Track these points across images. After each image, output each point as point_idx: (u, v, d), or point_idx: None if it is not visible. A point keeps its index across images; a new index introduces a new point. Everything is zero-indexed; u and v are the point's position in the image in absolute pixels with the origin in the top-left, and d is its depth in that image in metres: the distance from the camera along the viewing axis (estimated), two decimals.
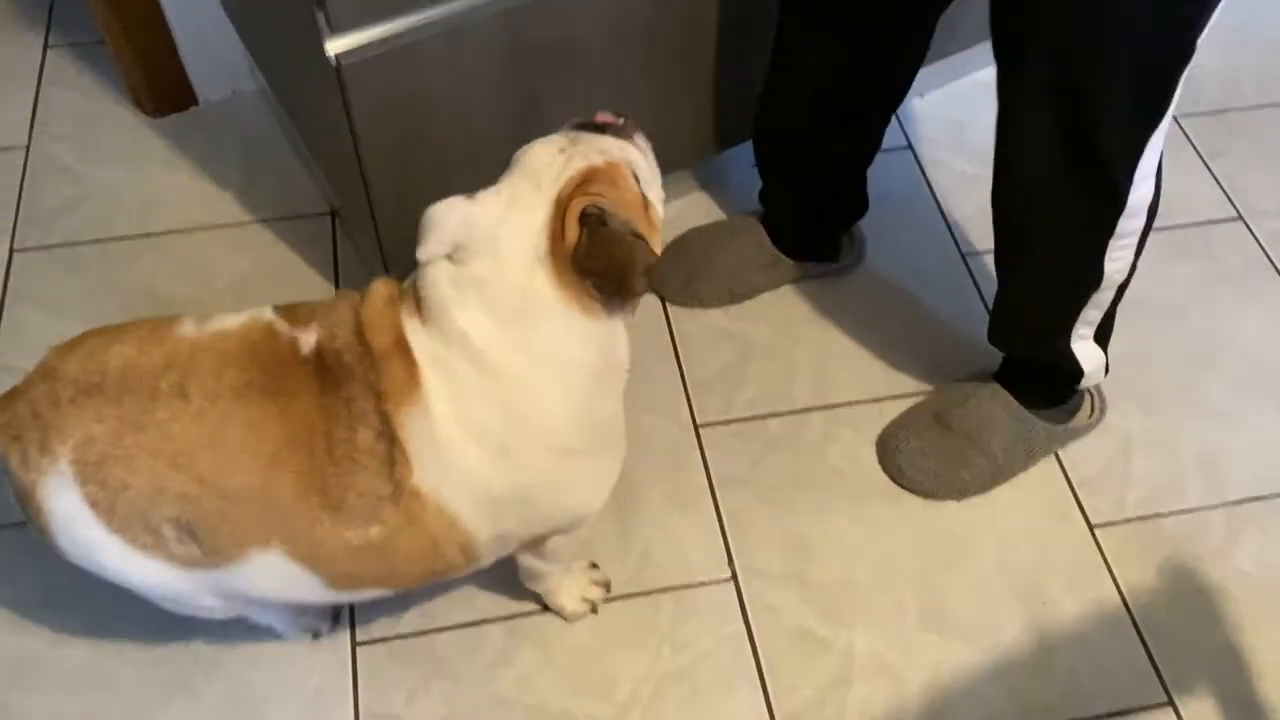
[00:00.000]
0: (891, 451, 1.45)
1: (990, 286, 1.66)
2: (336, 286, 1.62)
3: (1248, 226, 1.76)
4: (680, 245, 1.64)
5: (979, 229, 1.73)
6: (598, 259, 0.95)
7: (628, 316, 1.04)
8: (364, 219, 1.39)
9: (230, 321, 1.02)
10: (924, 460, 1.43)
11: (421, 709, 1.26)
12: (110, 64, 1.85)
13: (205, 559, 1.00)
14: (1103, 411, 1.51)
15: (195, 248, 1.67)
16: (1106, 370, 1.43)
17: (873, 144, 1.50)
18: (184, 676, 1.27)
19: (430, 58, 1.21)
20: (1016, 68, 1.14)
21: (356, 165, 1.28)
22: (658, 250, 1.00)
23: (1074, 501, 1.46)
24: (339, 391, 0.98)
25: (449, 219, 0.96)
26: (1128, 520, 1.44)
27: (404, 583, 1.09)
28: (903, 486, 1.45)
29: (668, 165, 1.63)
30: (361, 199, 1.34)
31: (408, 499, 0.99)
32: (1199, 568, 1.40)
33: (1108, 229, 1.20)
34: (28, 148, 1.78)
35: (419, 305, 0.99)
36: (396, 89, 1.21)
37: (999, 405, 1.45)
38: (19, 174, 1.74)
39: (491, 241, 0.96)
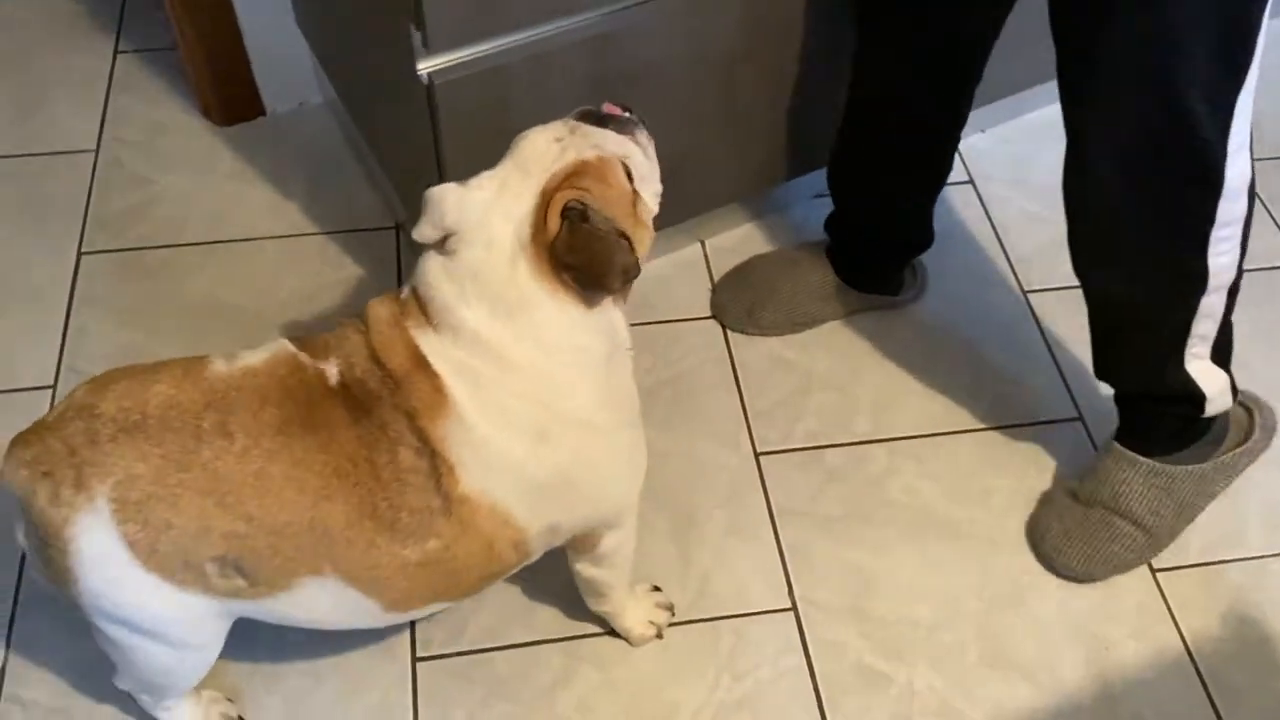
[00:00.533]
0: (1038, 539, 1.41)
1: (1053, 324, 1.66)
2: None
3: None
4: (743, 273, 1.65)
5: (1041, 267, 1.73)
6: (575, 254, 0.95)
7: (619, 303, 1.05)
8: None
9: (256, 358, 1.02)
10: (1069, 543, 1.38)
11: None
12: (179, 71, 1.87)
13: (251, 590, 1.01)
14: (1267, 428, 1.41)
15: (260, 258, 1.68)
16: (1234, 393, 1.34)
17: (942, 170, 1.49)
18: (245, 689, 1.27)
19: (517, 79, 1.22)
20: (1088, 54, 1.12)
21: (439, 179, 1.29)
22: (644, 248, 1.02)
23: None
24: (370, 419, 0.99)
25: (445, 201, 0.98)
26: (1191, 566, 1.43)
27: (462, 592, 1.10)
28: (1060, 575, 1.39)
29: (737, 193, 1.66)
30: None
31: (458, 507, 1.00)
32: (1262, 616, 1.39)
33: (1208, 216, 1.15)
34: (96, 152, 1.79)
35: (425, 311, 1.00)
36: (483, 108, 1.23)
37: (1126, 466, 1.37)
38: (88, 178, 1.76)
39: (482, 227, 0.97)
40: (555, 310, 0.98)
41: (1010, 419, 1.56)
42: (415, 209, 1.53)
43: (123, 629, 1.01)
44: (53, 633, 1.29)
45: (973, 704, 1.31)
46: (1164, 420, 1.37)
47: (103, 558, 0.94)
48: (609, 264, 0.95)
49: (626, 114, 1.06)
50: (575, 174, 0.97)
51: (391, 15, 1.17)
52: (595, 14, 1.21)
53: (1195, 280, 1.22)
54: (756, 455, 1.50)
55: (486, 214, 0.97)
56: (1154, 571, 1.42)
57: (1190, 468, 1.38)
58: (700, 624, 1.35)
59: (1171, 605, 1.40)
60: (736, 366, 1.60)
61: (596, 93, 1.30)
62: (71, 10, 2.01)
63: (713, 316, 1.64)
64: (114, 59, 1.94)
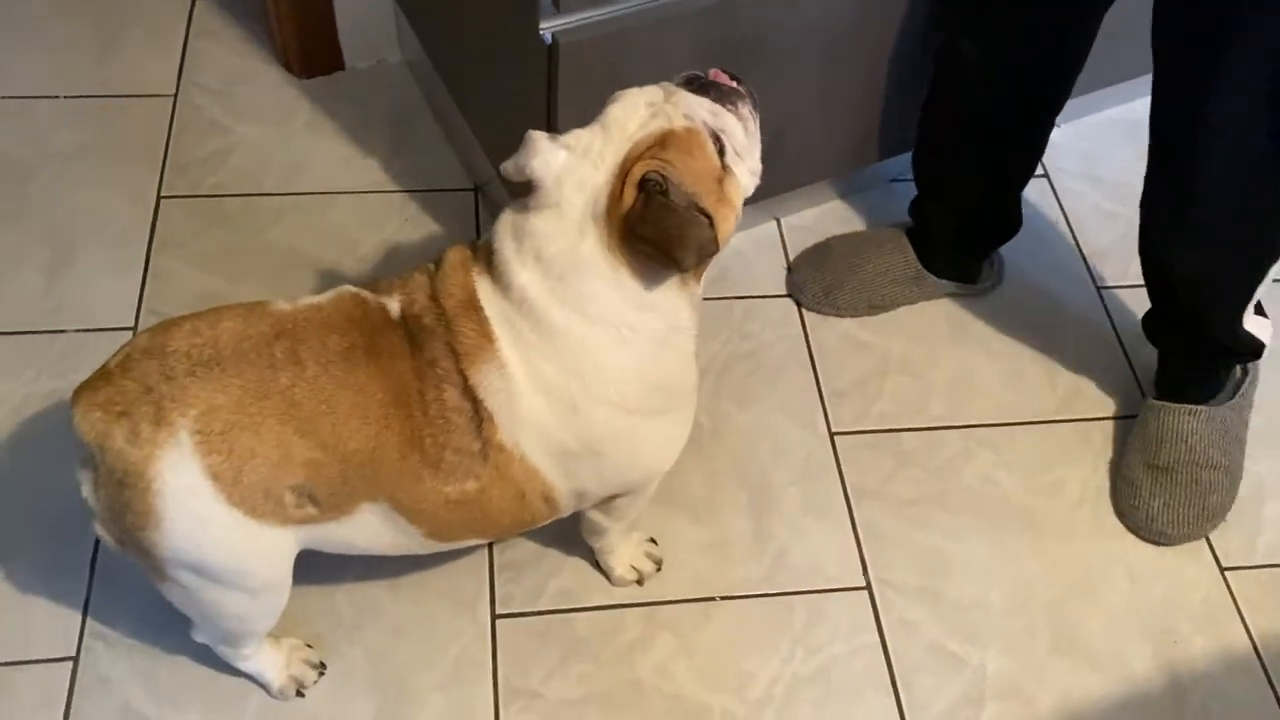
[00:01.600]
0: (1144, 521, 1.44)
1: (1125, 319, 1.67)
2: None
3: None
4: (823, 252, 1.65)
5: (1115, 262, 1.74)
6: (649, 228, 0.94)
7: (692, 285, 1.03)
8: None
9: (319, 298, 1.03)
10: (1173, 511, 1.42)
11: (559, 688, 1.27)
12: (256, 19, 1.87)
13: (320, 516, 1.02)
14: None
15: (338, 212, 1.68)
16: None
17: (1032, 156, 1.50)
18: (328, 639, 1.28)
19: (636, 44, 1.22)
20: (1203, 64, 1.14)
21: None
22: (728, 227, 1.00)
23: (1205, 542, 1.46)
24: (423, 353, 0.99)
25: (535, 148, 0.97)
26: (1259, 566, 1.45)
27: (496, 533, 1.12)
28: (1173, 544, 1.44)
29: (824, 172, 1.66)
30: None
31: (495, 453, 1.01)
32: None
33: None
34: (175, 97, 1.79)
35: (489, 261, 1.01)
36: (601, 71, 1.22)
37: (1189, 419, 1.45)
38: (166, 122, 1.75)
39: (558, 187, 0.97)
40: (611, 283, 0.98)
41: (1083, 412, 1.57)
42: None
43: (198, 575, 1.00)
44: (136, 572, 1.30)
45: (1043, 689, 1.32)
46: (1218, 372, 1.47)
47: (188, 493, 0.93)
48: (683, 240, 0.93)
49: (734, 84, 1.03)
50: (659, 144, 0.96)
51: None
52: None
53: (1277, 250, 1.31)
54: (831, 435, 1.51)
55: (565, 175, 0.97)
56: (1222, 570, 1.44)
57: (1231, 403, 1.48)
58: (776, 598, 1.37)
59: (1239, 603, 1.41)
60: (812, 346, 1.60)
61: (710, 60, 1.30)
62: None
63: (789, 295, 1.64)
64: (193, 3, 1.93)
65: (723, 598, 1.35)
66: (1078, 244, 1.75)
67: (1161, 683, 1.34)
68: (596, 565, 1.35)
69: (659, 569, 1.35)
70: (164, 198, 1.66)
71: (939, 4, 1.42)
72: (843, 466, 1.48)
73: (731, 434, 1.48)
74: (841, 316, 1.62)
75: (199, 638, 1.18)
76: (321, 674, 1.24)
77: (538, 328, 0.98)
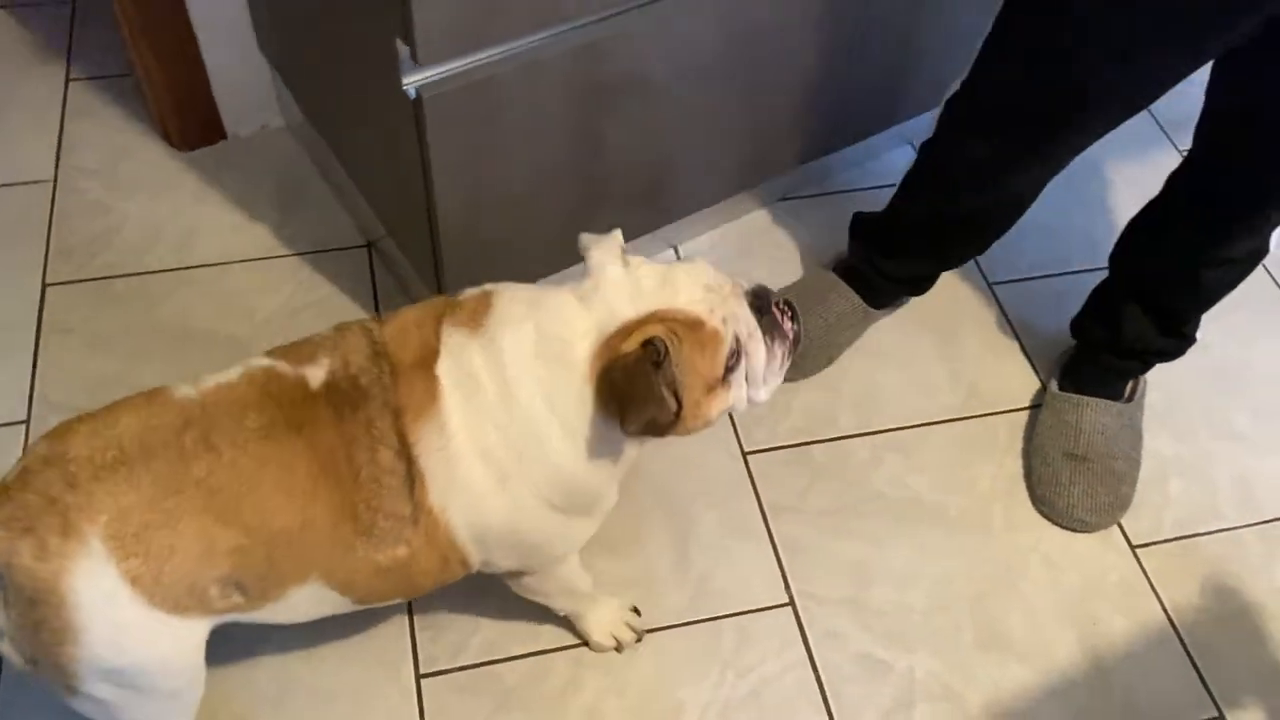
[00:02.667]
0: (1065, 509, 1.46)
1: (1017, 314, 1.71)
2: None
3: None
4: None
5: (1003, 260, 1.77)
6: (622, 378, 0.95)
7: (639, 442, 1.05)
8: (423, 248, 1.40)
9: (228, 375, 1.00)
10: (1092, 499, 1.46)
11: None
12: (134, 97, 1.84)
13: (246, 605, 0.99)
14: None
15: (232, 281, 1.66)
16: None
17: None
18: (251, 713, 1.25)
19: (504, 91, 1.23)
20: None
21: (425, 195, 1.29)
22: (693, 425, 1.01)
23: (1116, 524, 1.49)
24: (356, 416, 0.98)
25: (604, 247, 1.01)
26: (1167, 541, 1.48)
27: (416, 594, 1.12)
28: (1090, 531, 1.47)
29: (715, 196, 1.68)
30: (424, 228, 1.35)
31: (425, 518, 1.00)
32: (1239, 585, 1.45)
33: None
34: (55, 181, 1.76)
35: (478, 315, 1.01)
36: (471, 121, 1.23)
37: (1104, 413, 1.50)
38: (47, 208, 1.72)
39: (595, 290, 0.99)
40: (579, 390, 0.98)
41: (987, 407, 1.60)
42: (395, 226, 1.54)
43: (119, 684, 0.96)
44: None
45: (971, 686, 1.34)
46: (1134, 369, 1.52)
47: (106, 601, 0.90)
48: (641, 409, 0.94)
49: (789, 323, 1.06)
50: (688, 324, 0.97)
51: (375, 31, 1.17)
52: (583, 21, 1.22)
53: (1263, 255, 1.36)
54: (744, 454, 1.52)
55: (608, 285, 0.99)
56: (1134, 548, 1.47)
57: (1134, 402, 1.54)
58: (702, 624, 1.37)
59: (1152, 579, 1.44)
60: None
61: (586, 100, 1.32)
62: (19, 39, 1.96)
63: None
64: (66, 86, 1.90)
65: (649, 630, 1.35)
66: None
67: (1086, 666, 1.36)
68: (517, 614, 1.34)
69: (640, 640, 1.33)
70: (49, 285, 1.63)
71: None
72: (758, 485, 1.49)
73: (647, 466, 1.49)
74: (807, 378, 1.60)
75: None
76: None
77: (502, 392, 0.98)
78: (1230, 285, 1.40)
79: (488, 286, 1.04)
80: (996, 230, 1.49)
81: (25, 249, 1.66)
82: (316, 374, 1.00)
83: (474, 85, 1.19)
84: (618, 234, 1.03)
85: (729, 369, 1.00)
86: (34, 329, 1.57)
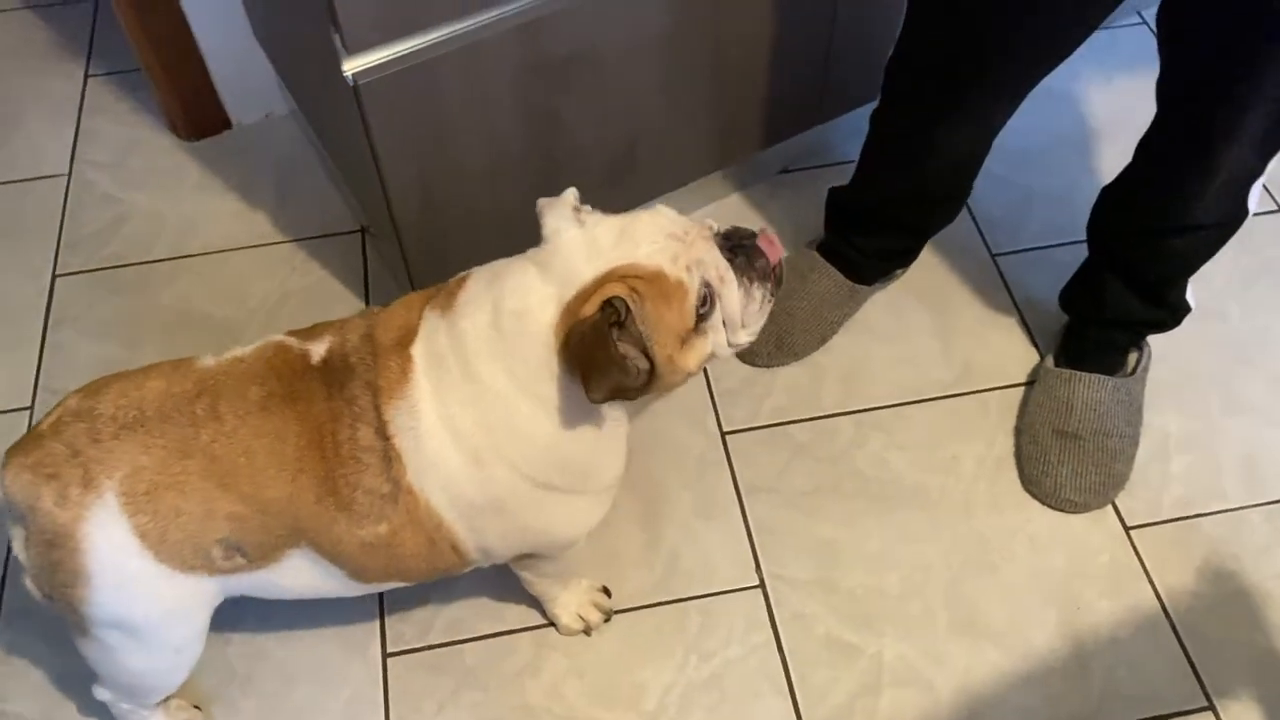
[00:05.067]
0: (1052, 489, 1.42)
1: (1020, 286, 1.64)
2: (367, 303, 1.65)
3: None
4: None
5: (1008, 229, 1.71)
6: (581, 347, 0.93)
7: (613, 409, 1.02)
8: (389, 234, 1.41)
9: (245, 349, 1.06)
10: (1081, 479, 1.41)
11: (451, 719, 1.27)
12: (146, 91, 1.90)
13: (249, 565, 1.04)
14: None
15: (231, 267, 1.70)
16: None
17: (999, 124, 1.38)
18: (220, 691, 1.29)
19: (447, 74, 1.23)
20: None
21: (379, 181, 1.30)
22: (673, 379, 0.98)
23: (1110, 504, 1.43)
24: (342, 392, 1.00)
25: (556, 211, 0.99)
26: (1165, 522, 1.41)
27: (414, 577, 1.12)
28: (1078, 512, 1.42)
29: (685, 176, 1.65)
30: (385, 214, 1.36)
31: (405, 496, 1.01)
32: (1239, 569, 1.37)
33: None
34: (69, 175, 1.82)
35: (453, 296, 1.01)
36: (414, 106, 1.23)
37: (1098, 389, 1.44)
38: (61, 201, 1.79)
39: (553, 255, 0.97)
40: (544, 360, 0.97)
41: (980, 383, 1.55)
42: (370, 209, 1.56)
43: (125, 631, 1.03)
44: (36, 645, 1.32)
45: (942, 672, 1.30)
46: (1131, 341, 1.46)
47: (116, 552, 0.97)
48: (601, 377, 0.92)
49: (769, 261, 1.02)
50: (648, 278, 0.95)
51: (314, 20, 1.18)
52: (520, 2, 1.21)
53: (1240, 221, 1.29)
54: (723, 434, 1.50)
55: (565, 249, 0.97)
56: (1127, 530, 1.41)
57: (1134, 376, 1.47)
58: (668, 605, 1.36)
59: (1145, 561, 1.38)
60: None
61: (535, 80, 1.31)
62: (42, 37, 2.04)
63: (742, 360, 1.56)
64: (85, 82, 1.97)
65: (616, 611, 1.35)
66: (971, 213, 1.73)
67: (1065, 652, 1.31)
68: (485, 593, 1.36)
69: (608, 620, 1.33)
70: (59, 276, 1.69)
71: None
72: (735, 464, 1.47)
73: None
74: (801, 359, 1.57)
75: (102, 695, 1.18)
76: None
77: (465, 371, 0.99)
78: (1205, 252, 1.32)
79: (472, 269, 1.04)
80: (955, 194, 1.45)
81: (38, 242, 1.73)
82: (318, 350, 1.04)
83: (413, 70, 1.19)
84: (570, 193, 1.01)
85: (701, 317, 0.98)
86: (42, 319, 1.64)
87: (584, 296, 0.95)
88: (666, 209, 1.01)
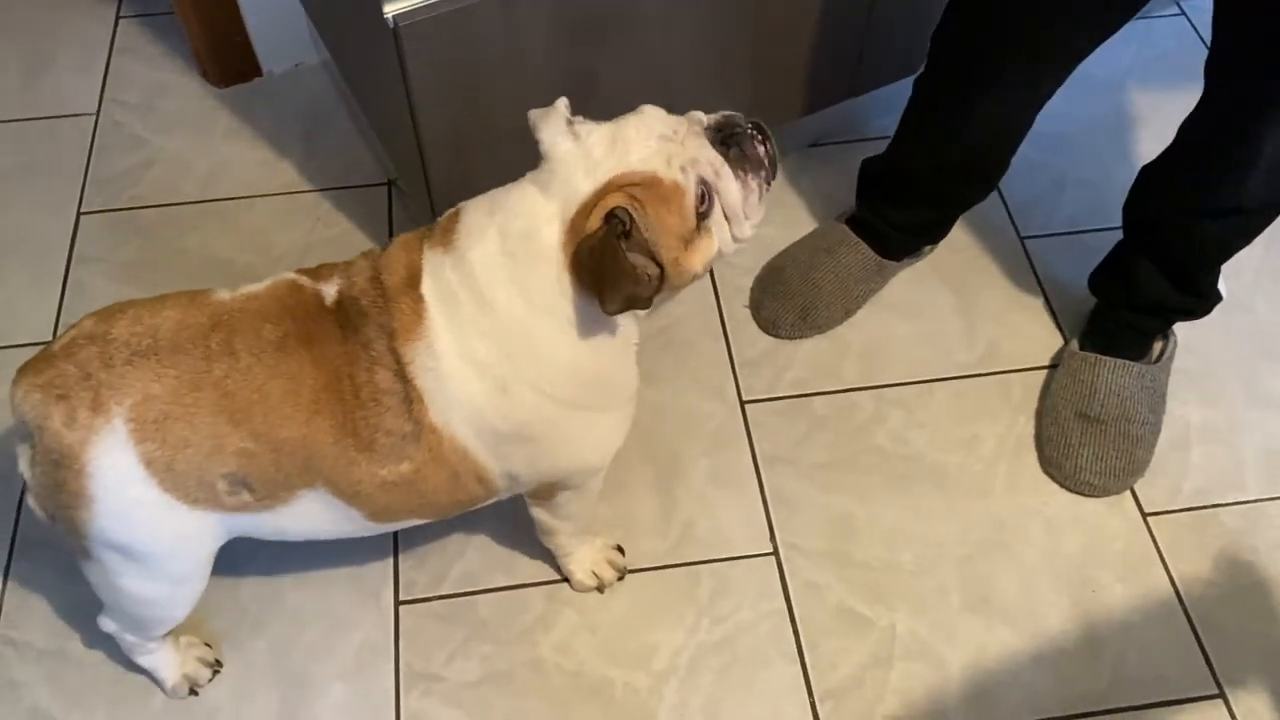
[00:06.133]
0: (1072, 472, 1.41)
1: (1047, 269, 1.64)
2: None
3: None
4: (777, 277, 1.57)
5: (1040, 212, 1.70)
6: (592, 262, 0.94)
7: (634, 315, 1.03)
8: (418, 183, 1.40)
9: (257, 286, 1.05)
10: (1102, 462, 1.40)
11: (460, 669, 1.28)
12: (178, 35, 1.89)
13: (256, 504, 1.03)
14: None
15: (255, 215, 1.70)
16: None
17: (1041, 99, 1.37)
18: (231, 633, 1.30)
19: (486, 21, 1.22)
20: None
21: (412, 129, 1.30)
22: (683, 280, 0.99)
23: (1128, 490, 1.42)
24: (357, 336, 1.00)
25: (550, 123, 0.99)
26: (1182, 510, 1.41)
27: (436, 513, 1.12)
28: (1097, 496, 1.41)
29: None
30: (416, 163, 1.36)
31: (427, 434, 1.01)
32: (1256, 560, 1.37)
33: None
34: (97, 114, 1.82)
35: (449, 231, 1.01)
36: (451, 52, 1.22)
37: (1122, 374, 1.43)
38: (88, 140, 1.78)
39: (551, 172, 0.97)
40: (556, 279, 0.98)
41: (1003, 365, 1.54)
42: (400, 161, 1.55)
43: (126, 556, 1.03)
44: (47, 576, 1.33)
45: (953, 648, 1.30)
46: (1159, 328, 1.45)
47: (120, 478, 0.96)
48: (615, 289, 0.93)
49: (762, 147, 1.02)
50: (644, 184, 0.95)
51: None
52: None
53: (1278, 211, 1.29)
54: (742, 404, 1.50)
55: (561, 165, 0.97)
56: (1145, 516, 1.40)
57: (1159, 364, 1.46)
58: (681, 568, 1.36)
59: (1162, 548, 1.38)
60: (725, 317, 1.59)
61: (573, 32, 1.30)
62: None
63: (764, 332, 1.56)
64: (115, 24, 1.96)
65: (628, 571, 1.35)
66: (1001, 195, 1.72)
67: (1077, 634, 1.31)
68: (500, 546, 1.36)
69: (622, 578, 1.33)
70: (83, 214, 1.69)
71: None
72: (753, 434, 1.47)
73: (641, 410, 1.46)
74: (824, 333, 1.56)
75: (107, 626, 1.18)
76: (217, 672, 1.26)
77: (479, 302, 0.99)
78: (1242, 239, 1.31)
79: (461, 203, 1.04)
80: (993, 168, 1.44)
81: (64, 179, 1.73)
82: (329, 292, 1.04)
83: (453, 14, 1.18)
84: (561, 103, 1.00)
85: (702, 215, 0.98)
86: (66, 256, 1.64)
87: (586, 211, 0.95)
88: (654, 109, 1.00)
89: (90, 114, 1.82)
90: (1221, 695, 1.27)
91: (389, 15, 1.17)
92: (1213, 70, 1.21)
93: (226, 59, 1.83)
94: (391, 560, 1.35)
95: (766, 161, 1.02)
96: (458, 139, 1.33)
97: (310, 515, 1.06)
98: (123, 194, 1.72)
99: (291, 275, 1.06)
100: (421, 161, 1.34)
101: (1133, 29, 1.22)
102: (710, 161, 0.98)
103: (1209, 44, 1.20)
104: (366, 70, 1.46)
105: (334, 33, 1.62)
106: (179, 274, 1.61)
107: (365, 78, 1.51)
